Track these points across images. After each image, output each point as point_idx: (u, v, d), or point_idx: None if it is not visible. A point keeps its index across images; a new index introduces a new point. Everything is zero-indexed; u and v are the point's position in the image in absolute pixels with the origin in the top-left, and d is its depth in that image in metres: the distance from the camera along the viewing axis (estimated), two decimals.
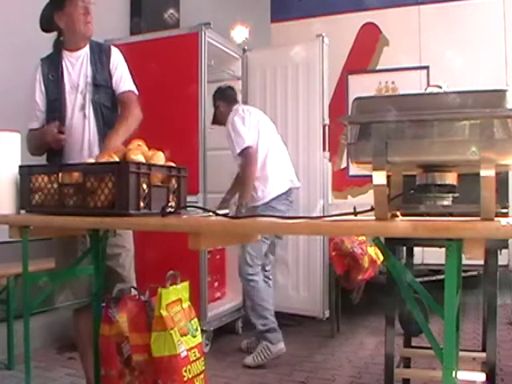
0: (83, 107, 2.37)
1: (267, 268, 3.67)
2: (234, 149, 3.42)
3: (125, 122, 2.34)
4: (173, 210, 1.84)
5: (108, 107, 2.41)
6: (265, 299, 3.44)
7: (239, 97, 4.33)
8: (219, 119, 3.71)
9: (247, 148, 3.37)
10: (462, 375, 1.97)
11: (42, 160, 2.40)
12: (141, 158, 1.87)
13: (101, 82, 2.40)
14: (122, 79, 2.46)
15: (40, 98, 2.39)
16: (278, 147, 3.62)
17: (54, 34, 2.47)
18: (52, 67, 2.40)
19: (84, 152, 2.37)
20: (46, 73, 2.39)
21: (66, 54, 2.42)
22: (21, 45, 3.42)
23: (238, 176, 3.64)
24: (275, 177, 3.48)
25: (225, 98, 3.72)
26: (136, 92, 2.50)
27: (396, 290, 2.16)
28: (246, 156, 3.37)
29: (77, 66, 2.41)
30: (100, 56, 2.44)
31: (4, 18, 3.47)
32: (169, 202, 1.90)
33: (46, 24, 2.43)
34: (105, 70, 2.43)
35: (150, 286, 2.11)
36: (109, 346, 2.06)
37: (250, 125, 3.47)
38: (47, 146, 2.36)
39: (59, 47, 2.44)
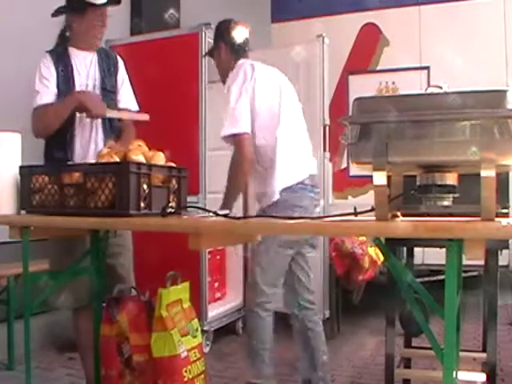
0: None
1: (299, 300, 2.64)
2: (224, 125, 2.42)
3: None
4: (173, 210, 1.84)
5: None
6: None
7: None
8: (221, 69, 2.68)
9: (240, 135, 2.39)
10: (462, 375, 1.97)
11: (42, 159, 2.40)
12: (141, 159, 1.88)
13: (109, 87, 2.43)
14: (124, 97, 2.50)
15: (53, 80, 2.34)
16: (296, 121, 2.65)
17: (56, 32, 2.46)
18: (60, 62, 2.37)
19: (90, 152, 2.37)
20: (56, 64, 2.36)
21: (72, 52, 2.41)
22: (21, 45, 3.41)
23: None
24: (289, 162, 2.52)
25: (230, 41, 2.67)
26: (135, 108, 2.54)
27: (396, 291, 2.16)
28: (238, 145, 2.43)
29: (85, 67, 2.41)
30: (108, 63, 2.47)
31: (5, 18, 3.47)
32: (169, 202, 1.90)
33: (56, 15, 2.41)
34: (112, 78, 2.46)
35: (151, 286, 2.11)
36: (109, 346, 2.06)
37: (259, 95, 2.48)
38: (74, 110, 2.29)
39: (65, 43, 2.43)
